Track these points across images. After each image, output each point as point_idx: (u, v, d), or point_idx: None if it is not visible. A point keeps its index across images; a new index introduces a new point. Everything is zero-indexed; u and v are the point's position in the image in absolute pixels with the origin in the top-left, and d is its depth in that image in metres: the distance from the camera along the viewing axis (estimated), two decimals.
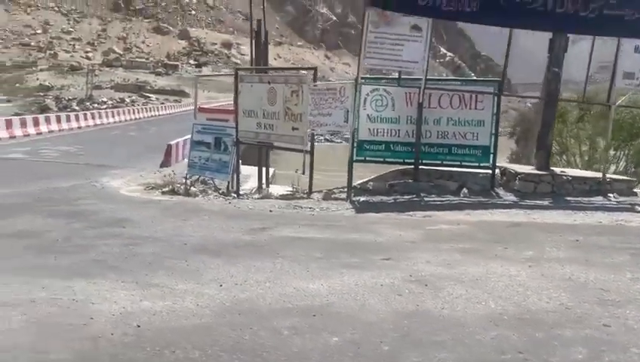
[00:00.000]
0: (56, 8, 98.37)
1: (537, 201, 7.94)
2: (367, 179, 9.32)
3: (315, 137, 9.59)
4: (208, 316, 3.30)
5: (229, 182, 10.59)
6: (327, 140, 33.73)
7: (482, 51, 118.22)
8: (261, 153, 11.42)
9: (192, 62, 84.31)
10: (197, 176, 10.91)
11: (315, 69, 9.73)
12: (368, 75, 9.49)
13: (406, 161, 9.05)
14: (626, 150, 14.31)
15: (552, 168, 9.06)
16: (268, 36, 12.05)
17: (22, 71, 68.32)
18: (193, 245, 5.22)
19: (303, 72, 11.28)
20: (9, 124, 19.15)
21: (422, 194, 8.54)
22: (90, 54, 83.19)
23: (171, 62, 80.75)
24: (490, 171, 8.87)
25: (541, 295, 3.78)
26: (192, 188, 10.37)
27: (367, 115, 8.94)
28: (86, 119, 25.86)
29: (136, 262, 4.56)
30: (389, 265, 4.50)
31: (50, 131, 21.39)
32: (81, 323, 3.12)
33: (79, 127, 24.22)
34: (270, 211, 7.56)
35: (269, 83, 9.73)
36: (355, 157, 8.97)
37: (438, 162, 8.96)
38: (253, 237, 5.72)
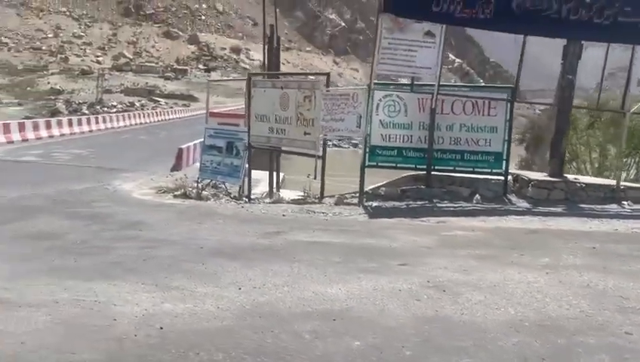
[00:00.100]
0: (67, 13, 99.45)
1: (551, 208, 7.92)
2: (379, 185, 9.33)
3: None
4: (229, 319, 3.33)
5: (240, 187, 10.65)
6: (335, 145, 33.76)
7: (491, 57, 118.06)
8: (272, 158, 11.47)
9: (201, 66, 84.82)
10: (208, 180, 10.98)
11: (327, 74, 9.77)
12: (376, 81, 9.54)
13: (418, 166, 9.06)
14: (637, 157, 14.23)
15: (565, 175, 9.03)
16: (276, 41, 12.13)
17: (33, 74, 68.98)
18: (210, 248, 5.25)
19: (312, 77, 11.35)
20: (22, 127, 19.37)
21: (434, 200, 8.54)
22: (100, 58, 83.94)
23: (181, 67, 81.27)
24: (502, 178, 8.86)
25: (561, 302, 3.77)
26: (203, 192, 10.44)
27: (380, 120, 8.96)
28: (97, 123, 26.10)
29: (155, 265, 4.59)
30: (406, 271, 4.51)
31: (62, 134, 21.60)
32: (105, 324, 3.15)
33: (90, 131, 24.44)
34: (283, 215, 7.59)
35: (281, 88, 9.80)
36: (367, 163, 8.98)
37: (451, 168, 8.96)
38: (268, 241, 5.74)
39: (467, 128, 8.82)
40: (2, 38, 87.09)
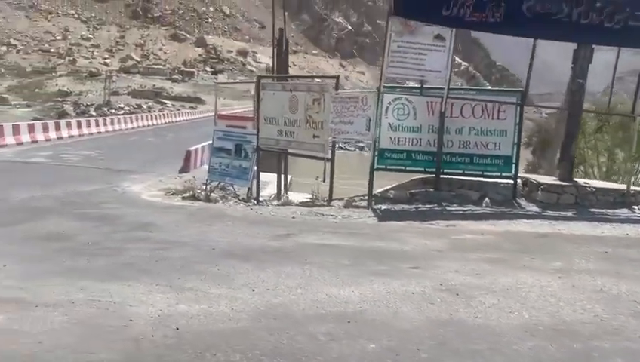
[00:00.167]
0: (76, 15, 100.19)
1: (561, 212, 7.89)
2: (387, 188, 9.33)
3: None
4: (244, 320, 3.34)
5: (249, 189, 10.67)
6: (341, 148, 33.78)
7: (497, 61, 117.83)
8: (280, 160, 11.49)
9: (208, 69, 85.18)
10: (217, 182, 11.01)
11: (337, 77, 9.80)
12: (385, 84, 9.55)
13: (427, 170, 9.05)
14: None
15: (574, 179, 8.99)
16: (285, 44, 12.18)
17: (41, 76, 69.53)
18: (221, 250, 5.27)
19: (318, 80, 11.38)
20: (31, 129, 19.50)
21: (443, 204, 8.53)
22: (108, 61, 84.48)
23: (188, 70, 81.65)
24: (511, 181, 8.83)
25: (575, 306, 3.76)
26: (212, 194, 10.46)
27: (389, 123, 8.96)
28: (105, 125, 26.24)
29: (167, 266, 4.62)
30: (418, 274, 4.50)
31: (71, 136, 21.72)
32: (122, 324, 3.17)
33: (98, 133, 24.57)
34: (292, 218, 7.61)
35: (290, 91, 9.82)
36: (376, 166, 8.98)
37: (460, 171, 8.94)
38: (279, 243, 5.76)
39: (476, 132, 8.80)
40: (11, 40, 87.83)
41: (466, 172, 8.93)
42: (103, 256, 5.01)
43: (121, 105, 50.27)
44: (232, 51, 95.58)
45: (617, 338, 3.23)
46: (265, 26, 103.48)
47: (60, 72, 73.39)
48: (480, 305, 3.73)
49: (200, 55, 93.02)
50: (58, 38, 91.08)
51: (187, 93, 64.36)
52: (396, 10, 8.30)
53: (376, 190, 9.14)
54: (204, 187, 10.90)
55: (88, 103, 51.01)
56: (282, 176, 11.43)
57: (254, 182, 10.58)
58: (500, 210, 8.15)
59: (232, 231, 6.54)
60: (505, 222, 7.27)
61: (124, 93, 59.17)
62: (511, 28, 8.22)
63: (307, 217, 7.71)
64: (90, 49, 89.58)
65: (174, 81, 72.68)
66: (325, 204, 9.06)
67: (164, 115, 39.27)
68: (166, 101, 57.72)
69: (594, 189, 8.53)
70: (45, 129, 20.42)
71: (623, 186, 8.89)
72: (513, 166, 8.78)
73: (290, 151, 10.32)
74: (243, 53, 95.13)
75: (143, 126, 30.94)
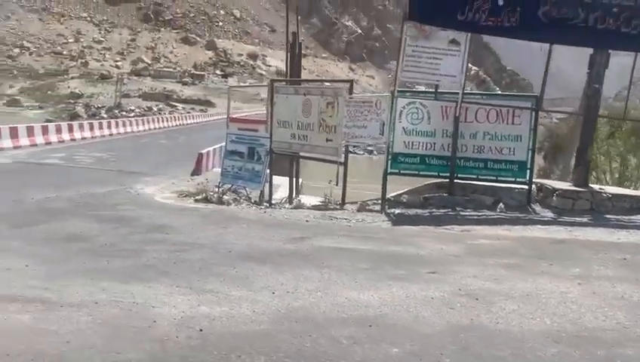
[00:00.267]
0: (88, 18, 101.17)
1: (576, 218, 7.84)
2: (401, 192, 9.32)
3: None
4: (266, 322, 3.36)
5: (261, 192, 10.71)
6: (350, 152, 33.70)
7: (508, 66, 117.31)
8: (292, 163, 11.52)
9: (218, 72, 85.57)
10: (229, 185, 11.06)
11: (351, 81, 9.82)
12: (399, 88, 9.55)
13: (441, 174, 9.03)
14: None
15: (590, 185, 8.93)
16: (297, 48, 12.23)
17: (54, 78, 70.19)
18: (238, 252, 5.30)
19: (330, 84, 11.40)
20: (45, 131, 19.70)
21: (457, 208, 8.50)
22: (119, 63, 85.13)
23: (198, 72, 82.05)
24: (525, 186, 8.79)
25: (596, 313, 3.74)
26: (224, 196, 10.51)
27: (403, 127, 8.96)
28: (117, 127, 26.44)
29: (186, 268, 4.65)
30: (436, 279, 4.50)
31: (83, 138, 21.92)
32: (146, 325, 3.20)
33: (110, 135, 24.77)
34: (306, 221, 7.62)
35: (304, 94, 9.85)
36: (389, 170, 8.98)
37: (474, 176, 8.92)
38: (294, 246, 5.78)
39: (491, 136, 8.78)
40: (24, 42, 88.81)
41: (480, 177, 8.90)
42: (121, 257, 5.06)
43: (132, 108, 50.57)
44: (242, 54, 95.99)
45: None
46: (275, 29, 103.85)
47: (72, 74, 74.07)
48: (500, 311, 3.72)
49: (210, 58, 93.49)
50: (70, 40, 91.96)
51: (197, 95, 64.67)
52: (411, 15, 8.31)
53: (389, 194, 9.14)
54: (216, 190, 10.96)
55: (99, 105, 51.35)
56: (294, 179, 11.47)
57: (266, 185, 10.62)
58: (515, 215, 8.12)
59: (248, 233, 6.57)
60: (520, 227, 7.24)
61: (134, 96, 59.55)
62: (527, 33, 8.20)
63: (321, 221, 7.72)
64: (102, 52, 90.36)
65: (185, 84, 73.04)
66: (338, 207, 9.07)
67: (174, 117, 39.50)
68: (176, 104, 58.00)
69: (609, 195, 8.47)
70: (58, 131, 20.64)
71: (639, 192, 8.82)
72: (528, 171, 8.75)
73: (303, 154, 10.35)
74: (253, 56, 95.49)
75: (154, 128, 31.14)
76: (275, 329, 3.24)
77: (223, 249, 5.46)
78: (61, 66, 79.73)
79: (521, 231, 7.00)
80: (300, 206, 9.65)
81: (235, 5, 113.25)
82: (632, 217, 8.05)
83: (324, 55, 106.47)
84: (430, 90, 8.94)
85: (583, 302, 3.97)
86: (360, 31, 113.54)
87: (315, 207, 9.28)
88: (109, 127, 25.61)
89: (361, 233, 6.81)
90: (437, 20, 8.26)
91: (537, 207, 8.58)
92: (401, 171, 9.10)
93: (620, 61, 8.55)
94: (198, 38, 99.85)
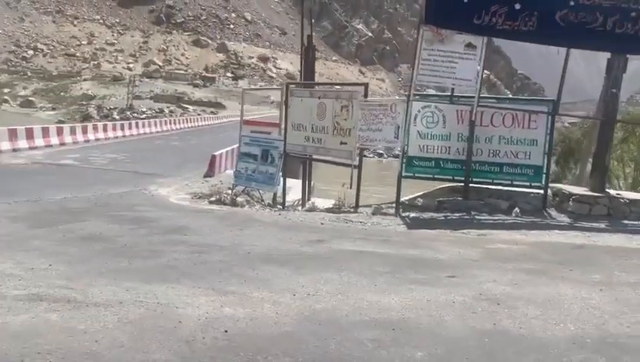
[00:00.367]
0: (101, 21, 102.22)
1: (593, 224, 7.78)
2: (415, 195, 9.31)
3: None
4: (290, 324, 3.38)
5: (274, 194, 10.75)
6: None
7: (519, 69, 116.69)
8: (305, 166, 11.55)
9: (229, 74, 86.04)
10: (242, 187, 11.11)
11: (366, 85, 9.84)
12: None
13: (455, 178, 9.02)
14: None
15: (607, 190, 8.86)
16: (312, 51, 12.25)
17: (67, 80, 70.99)
18: (257, 254, 5.32)
19: (346, 87, 11.42)
20: (60, 132, 19.94)
21: (472, 213, 8.48)
22: (131, 65, 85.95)
23: (209, 75, 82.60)
24: (541, 191, 8.75)
25: (620, 319, 3.71)
26: (238, 198, 10.57)
27: (418, 131, 8.97)
28: (129, 128, 26.70)
29: (206, 269, 4.68)
30: (456, 283, 4.49)
31: (97, 139, 22.17)
32: (171, 326, 3.23)
33: (123, 136, 25.02)
34: (321, 224, 7.64)
35: (319, 98, 9.89)
36: (404, 173, 8.98)
37: (489, 181, 8.89)
38: (312, 249, 5.79)
39: (506, 141, 8.76)
40: (38, 44, 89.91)
41: (495, 181, 8.88)
42: (142, 257, 5.11)
43: (144, 110, 51.02)
44: (252, 57, 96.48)
45: None
46: (286, 32, 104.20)
47: (85, 76, 74.89)
48: (523, 316, 3.71)
49: (221, 61, 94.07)
50: (83, 42, 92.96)
51: (208, 98, 65.08)
52: (427, 18, 8.32)
53: (404, 198, 9.13)
54: (229, 191, 11.02)
55: (112, 107, 51.87)
56: (307, 181, 11.49)
57: (279, 187, 10.65)
58: (531, 220, 8.08)
59: (264, 235, 6.60)
60: (537, 232, 7.21)
61: (146, 98, 60.07)
62: (544, 37, 8.17)
63: (336, 223, 7.74)
64: (114, 54, 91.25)
65: (196, 86, 73.57)
66: (352, 210, 9.08)
67: (186, 119, 39.78)
68: (187, 106, 58.42)
69: (627, 201, 8.40)
70: (73, 132, 20.89)
71: None
72: (544, 176, 8.71)
73: (317, 157, 10.38)
74: (263, 59, 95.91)
75: (166, 130, 31.40)
76: (299, 331, 3.26)
77: (242, 250, 5.49)
78: (74, 68, 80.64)
79: (538, 236, 6.96)
80: (313, 208, 9.67)
81: (246, 8, 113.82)
82: None
83: (334, 58, 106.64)
84: (440, 93, 8.91)
85: (605, 308, 3.95)
86: (370, 34, 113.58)
87: (328, 210, 9.30)
88: (122, 128, 25.87)
89: (377, 236, 6.81)
90: (453, 24, 8.26)
91: (553, 212, 8.54)
92: (416, 175, 9.11)
93: (630, 66, 8.47)
94: (210, 41, 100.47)
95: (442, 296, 4.09)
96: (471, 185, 8.82)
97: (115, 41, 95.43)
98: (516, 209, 8.49)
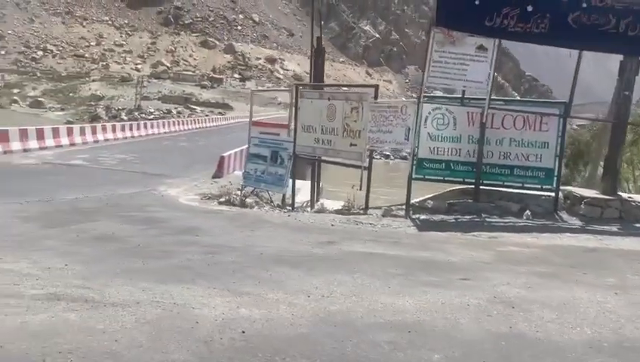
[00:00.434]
0: (109, 22, 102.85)
1: (605, 227, 7.74)
2: (425, 197, 9.29)
3: None
4: (306, 326, 3.39)
5: (283, 195, 10.77)
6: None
7: (527, 71, 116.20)
8: (314, 168, 11.56)
9: (236, 76, 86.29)
10: (251, 188, 11.14)
11: (376, 87, 9.84)
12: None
13: (466, 180, 9.00)
14: None
15: (618, 193, 8.81)
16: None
17: (76, 81, 71.48)
18: (269, 255, 5.34)
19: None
20: (70, 132, 20.09)
21: (483, 215, 8.45)
22: (139, 66, 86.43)
23: (216, 76, 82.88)
24: (552, 194, 8.71)
25: (636, 323, 3.69)
26: (247, 199, 10.60)
27: (428, 133, 8.95)
28: (138, 129, 26.85)
29: (220, 270, 4.70)
30: (470, 286, 4.49)
31: (106, 140, 22.31)
32: (189, 326, 3.25)
33: (132, 136, 25.16)
34: (332, 225, 7.65)
35: (329, 99, 9.90)
36: (414, 175, 8.97)
37: (499, 183, 8.86)
38: (323, 250, 5.80)
39: (517, 143, 8.73)
40: (47, 45, 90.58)
41: (505, 183, 8.85)
42: (156, 258, 5.14)
43: (152, 110, 51.26)
44: (260, 58, 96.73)
45: None
46: (294, 33, 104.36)
47: (94, 76, 75.38)
48: (539, 320, 3.70)
49: (229, 62, 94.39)
50: (92, 43, 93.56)
51: (215, 99, 65.30)
52: (438, 20, 8.31)
53: (414, 200, 9.12)
54: (238, 192, 11.05)
55: (120, 108, 52.13)
56: (316, 183, 11.50)
57: (288, 189, 10.67)
58: (542, 222, 8.04)
59: (275, 237, 6.62)
60: (548, 235, 7.18)
61: (154, 98, 60.35)
62: (556, 39, 8.13)
63: (346, 225, 7.74)
64: (123, 55, 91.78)
65: (203, 87, 73.83)
66: (362, 212, 9.07)
67: (193, 120, 39.93)
68: (195, 107, 58.65)
69: (639, 204, 8.34)
70: (82, 132, 21.04)
71: None
72: (555, 178, 8.67)
73: (326, 159, 10.39)
74: (271, 60, 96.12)
75: (174, 131, 31.54)
76: (315, 333, 3.27)
77: (254, 252, 5.51)
78: (83, 69, 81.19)
79: (550, 238, 6.93)
80: (322, 210, 9.68)
81: (253, 10, 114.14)
82: None
83: (341, 59, 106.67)
84: (448, 95, 8.88)
85: (621, 312, 3.92)
86: (378, 35, 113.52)
87: (337, 211, 9.31)
88: (131, 129, 26.02)
89: (388, 238, 6.81)
90: (465, 26, 8.25)
91: (564, 215, 8.49)
92: (426, 177, 9.09)
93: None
94: (217, 42, 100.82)
95: (456, 298, 4.09)
96: (481, 187, 8.79)
97: (124, 42, 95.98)
98: (527, 212, 8.45)
